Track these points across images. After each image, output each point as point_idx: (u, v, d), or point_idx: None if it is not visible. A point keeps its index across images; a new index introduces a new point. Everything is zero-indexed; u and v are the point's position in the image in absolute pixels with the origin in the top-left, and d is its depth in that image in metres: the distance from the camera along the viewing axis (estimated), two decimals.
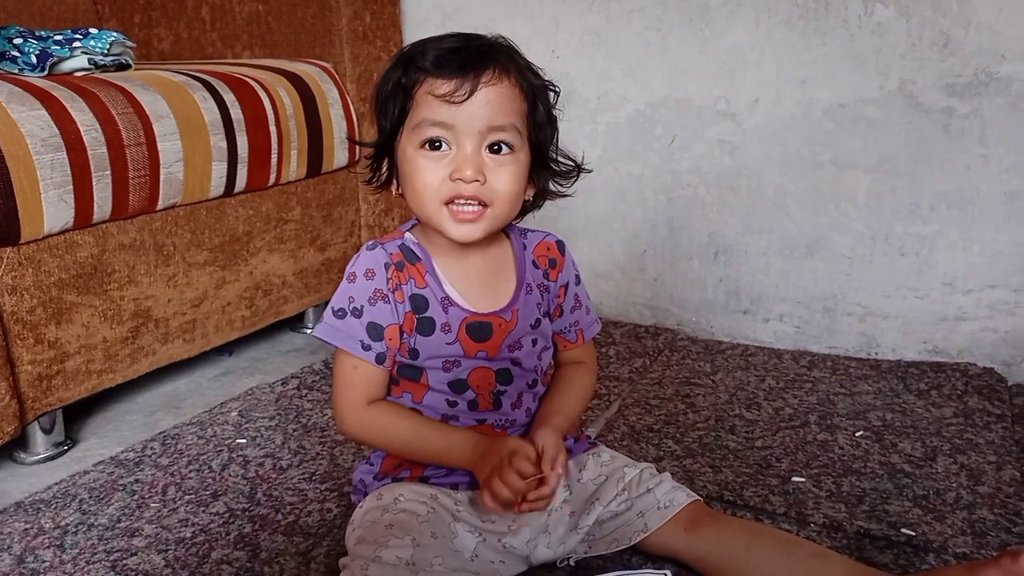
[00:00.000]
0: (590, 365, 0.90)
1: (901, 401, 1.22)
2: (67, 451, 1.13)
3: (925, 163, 1.30)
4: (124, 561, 0.86)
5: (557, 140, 0.79)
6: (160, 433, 1.15)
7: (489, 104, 0.71)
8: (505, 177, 0.73)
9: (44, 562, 0.86)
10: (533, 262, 0.84)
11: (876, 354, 1.39)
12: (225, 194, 1.29)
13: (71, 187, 1.04)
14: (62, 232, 1.07)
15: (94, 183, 1.07)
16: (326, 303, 1.58)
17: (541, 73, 0.77)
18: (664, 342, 1.48)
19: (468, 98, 0.71)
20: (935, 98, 1.27)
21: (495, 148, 0.73)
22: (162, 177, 1.16)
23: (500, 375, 0.81)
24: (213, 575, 0.84)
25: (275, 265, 1.40)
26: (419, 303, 0.78)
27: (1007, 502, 0.94)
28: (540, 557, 0.82)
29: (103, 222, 1.12)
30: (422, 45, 0.74)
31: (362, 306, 0.76)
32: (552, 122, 0.78)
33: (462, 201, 0.73)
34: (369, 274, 0.77)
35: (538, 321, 0.83)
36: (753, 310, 1.49)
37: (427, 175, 0.73)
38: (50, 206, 1.03)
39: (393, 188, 0.79)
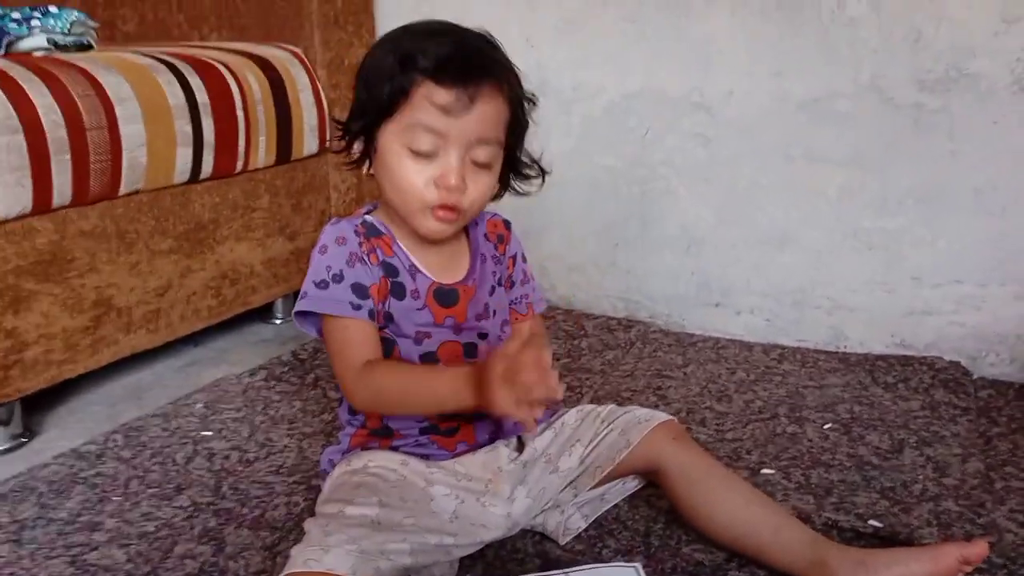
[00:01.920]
0: (538, 323, 0.94)
1: (869, 394, 1.23)
2: (26, 443, 1.10)
3: (895, 158, 1.31)
4: (84, 556, 0.84)
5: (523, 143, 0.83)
6: (123, 425, 1.13)
7: (482, 119, 0.74)
8: (481, 185, 0.77)
9: (1, 557, 0.84)
10: (485, 235, 0.87)
11: (845, 347, 1.41)
12: (190, 180, 1.25)
13: (28, 171, 1.01)
14: (19, 217, 1.03)
15: (53, 167, 1.04)
16: (295, 293, 1.56)
17: (522, 78, 0.80)
18: (636, 334, 1.48)
19: (465, 112, 0.73)
20: (906, 93, 1.28)
21: (477, 159, 0.76)
22: (124, 162, 1.13)
23: (467, 349, 0.82)
24: (176, 570, 0.82)
25: (242, 254, 1.37)
26: (390, 269, 0.80)
27: (972, 494, 0.95)
28: (520, 510, 0.82)
29: (63, 207, 1.08)
30: (419, 41, 0.75)
31: (341, 270, 0.77)
32: (525, 129, 0.81)
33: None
34: (341, 240, 0.78)
35: (493, 288, 0.86)
36: (724, 303, 1.49)
37: (413, 177, 0.75)
38: (6, 190, 0.99)
39: (365, 167, 0.80)
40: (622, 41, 1.47)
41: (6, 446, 1.08)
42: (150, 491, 0.97)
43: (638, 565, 0.71)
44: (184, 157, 1.22)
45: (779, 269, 1.43)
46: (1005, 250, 1.27)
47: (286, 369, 1.32)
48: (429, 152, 0.74)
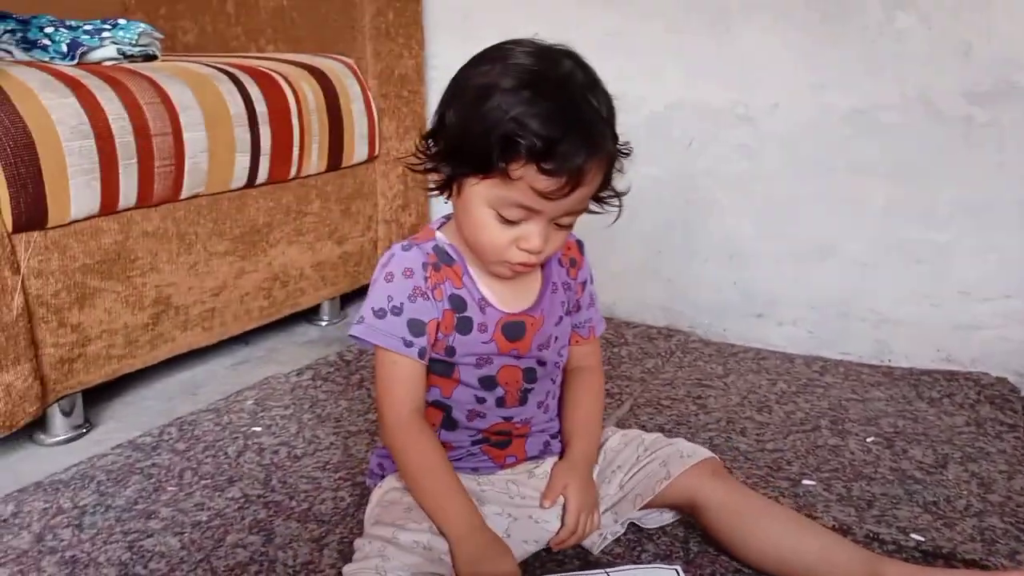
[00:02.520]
0: (598, 369, 0.93)
1: (913, 408, 1.22)
2: (86, 434, 1.15)
3: (942, 170, 1.30)
4: (141, 542, 0.88)
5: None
6: (177, 419, 1.17)
7: (578, 197, 0.71)
8: (559, 242, 0.76)
9: (63, 541, 0.88)
10: (559, 260, 0.86)
11: (889, 361, 1.39)
12: (247, 185, 1.30)
13: (98, 174, 1.06)
14: (88, 218, 1.08)
15: (120, 171, 1.09)
16: (342, 297, 1.61)
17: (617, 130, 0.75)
18: (676, 344, 1.48)
19: (564, 198, 0.70)
20: (954, 106, 1.27)
21: (562, 223, 0.74)
22: (187, 167, 1.18)
23: (527, 373, 0.82)
24: (228, 558, 0.85)
25: (293, 257, 1.42)
26: (457, 303, 0.79)
27: (1018, 511, 0.94)
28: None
29: (128, 209, 1.14)
30: (526, 106, 0.67)
31: (402, 304, 0.77)
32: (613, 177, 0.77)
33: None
34: (407, 273, 0.77)
35: (560, 319, 0.85)
36: (767, 314, 1.49)
37: (495, 237, 0.73)
38: (77, 192, 1.05)
39: (445, 196, 0.77)
40: (664, 53, 1.48)
41: (68, 436, 1.13)
42: (203, 482, 1.00)
43: (678, 567, 0.71)
44: (242, 163, 1.26)
45: (822, 281, 1.43)
46: None
47: (332, 369, 1.35)
48: (516, 221, 0.72)
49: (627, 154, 0.76)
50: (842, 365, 1.38)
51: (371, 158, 1.55)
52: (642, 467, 0.85)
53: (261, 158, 1.29)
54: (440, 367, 0.81)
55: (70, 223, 1.06)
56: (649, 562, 0.83)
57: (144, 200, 1.14)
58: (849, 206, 1.38)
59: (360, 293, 1.74)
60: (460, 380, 0.81)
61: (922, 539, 0.88)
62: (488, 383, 0.81)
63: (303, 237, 1.43)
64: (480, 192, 0.72)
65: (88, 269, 1.09)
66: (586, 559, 0.84)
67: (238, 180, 1.28)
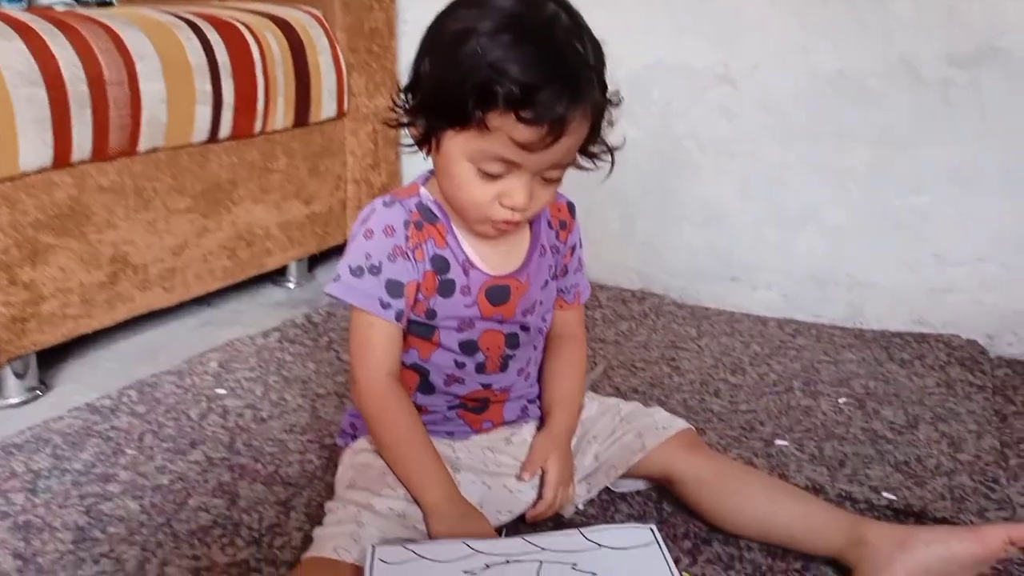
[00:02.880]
0: (582, 338, 0.89)
1: (884, 370, 1.23)
2: (40, 397, 1.11)
3: (924, 135, 1.29)
4: (99, 506, 0.85)
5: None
6: (137, 381, 1.13)
7: (562, 149, 0.67)
8: (547, 197, 0.72)
9: (15, 505, 0.85)
10: (548, 222, 0.82)
11: (861, 324, 1.40)
12: (209, 140, 1.25)
13: (49, 124, 1.01)
14: (40, 171, 1.03)
15: (73, 121, 1.04)
16: (310, 258, 1.57)
17: (606, 72, 0.70)
18: (650, 307, 1.47)
19: (546, 148, 0.66)
20: (936, 69, 1.26)
21: (548, 177, 0.70)
22: (144, 118, 1.13)
23: (509, 339, 0.80)
24: (190, 521, 0.83)
25: (259, 216, 1.37)
26: (440, 264, 0.76)
27: (986, 469, 0.95)
28: None
29: (82, 162, 1.08)
30: (504, 50, 0.63)
31: (380, 262, 0.73)
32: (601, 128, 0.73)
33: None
34: (388, 231, 0.74)
35: (547, 283, 0.82)
36: (742, 278, 1.48)
37: (476, 194, 0.70)
38: (26, 143, 0.99)
39: (424, 151, 0.74)
40: (646, 11, 1.45)
41: (21, 399, 1.09)
42: (164, 445, 0.97)
43: (653, 527, 0.70)
44: (203, 116, 1.21)
45: (800, 246, 1.42)
46: None
47: (299, 332, 1.32)
48: (498, 175, 0.68)
49: (616, 103, 0.71)
50: (815, 328, 1.38)
51: (340, 115, 1.50)
52: (617, 439, 0.84)
53: (223, 111, 1.24)
54: (419, 329, 0.78)
55: (20, 176, 1.01)
56: (623, 522, 0.83)
57: (99, 153, 1.09)
58: (831, 171, 1.37)
59: (329, 255, 1.70)
60: (440, 343, 0.78)
61: (894, 497, 0.88)
62: (469, 348, 0.78)
63: (269, 195, 1.38)
64: (458, 146, 0.68)
65: (40, 225, 1.04)
66: (559, 521, 0.83)
67: (199, 134, 1.22)
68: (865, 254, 1.37)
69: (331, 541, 0.68)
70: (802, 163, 1.38)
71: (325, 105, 1.45)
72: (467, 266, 0.76)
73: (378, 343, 0.75)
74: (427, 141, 0.72)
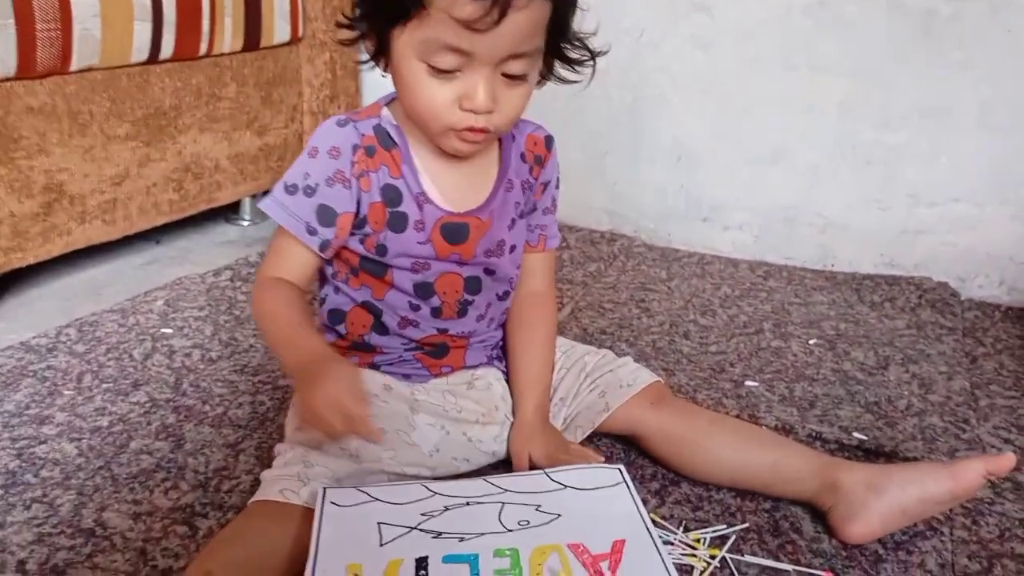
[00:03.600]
0: (550, 296, 0.83)
1: (855, 312, 1.21)
2: None
3: (901, 68, 1.25)
4: (32, 449, 0.79)
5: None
6: (77, 319, 1.06)
7: (516, 31, 0.60)
8: (516, 100, 0.65)
9: None
10: (521, 155, 0.75)
11: (832, 266, 1.38)
12: (149, 60, 1.16)
13: None
14: None
15: None
16: (264, 193, 1.49)
17: None
18: (620, 248, 1.43)
19: (494, 27, 0.59)
20: None
21: (510, 72, 0.63)
22: (75, 33, 1.03)
23: (469, 283, 0.74)
24: (131, 465, 0.78)
25: (207, 146, 1.29)
26: (392, 195, 0.69)
27: (957, 410, 0.94)
28: (504, 452, 0.78)
29: (7, 79, 0.99)
30: None
31: (317, 185, 0.68)
32: (573, 14, 0.67)
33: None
34: (333, 152, 0.68)
35: (513, 222, 0.75)
36: (712, 218, 1.44)
37: (433, 98, 0.63)
38: None
39: (379, 69, 0.68)
40: None
41: None
42: (104, 386, 0.91)
43: (621, 467, 0.67)
44: (142, 33, 1.12)
45: (772, 184, 1.38)
46: (1007, 170, 1.23)
47: (253, 270, 1.25)
48: (451, 69, 0.62)
49: None
50: (785, 270, 1.36)
51: (294, 40, 1.40)
52: (582, 399, 0.80)
53: (164, 29, 1.14)
54: (371, 266, 0.72)
55: None
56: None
57: (26, 70, 1.00)
58: (804, 106, 1.32)
59: None
60: (393, 284, 0.72)
61: (864, 438, 0.86)
62: (423, 290, 0.72)
63: (217, 124, 1.30)
64: (405, 43, 0.62)
65: None
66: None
67: (138, 53, 1.13)
68: (837, 193, 1.34)
69: (278, 484, 0.64)
70: (774, 98, 1.34)
71: (278, 28, 1.35)
72: (421, 199, 0.70)
73: (290, 266, 0.70)
74: (381, 52, 0.66)
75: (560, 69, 0.70)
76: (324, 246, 0.69)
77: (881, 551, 0.70)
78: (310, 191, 0.68)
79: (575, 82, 0.70)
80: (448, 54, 0.61)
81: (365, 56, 0.69)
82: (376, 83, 1.66)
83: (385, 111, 0.71)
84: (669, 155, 1.44)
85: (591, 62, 0.70)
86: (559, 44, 0.67)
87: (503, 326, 0.82)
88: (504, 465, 0.78)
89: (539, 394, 0.78)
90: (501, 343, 0.82)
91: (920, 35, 1.22)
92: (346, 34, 0.68)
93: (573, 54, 0.69)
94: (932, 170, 1.27)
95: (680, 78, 1.39)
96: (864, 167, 1.31)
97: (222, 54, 1.27)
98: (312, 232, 0.68)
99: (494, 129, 0.65)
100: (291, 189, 0.68)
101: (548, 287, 0.83)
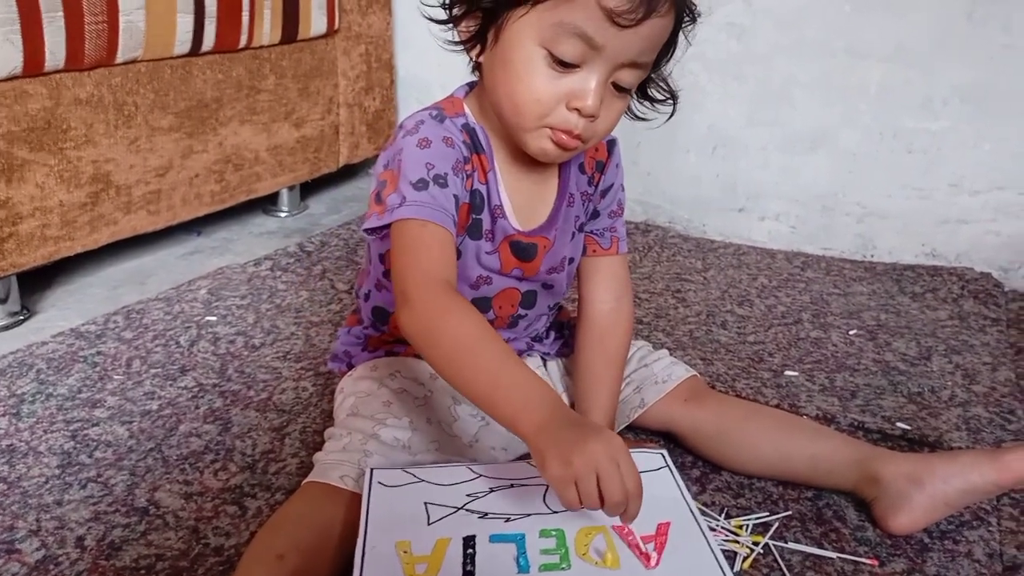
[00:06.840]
0: (629, 315, 0.78)
1: (896, 303, 1.19)
2: (24, 321, 1.07)
3: (943, 53, 1.23)
4: (85, 431, 0.82)
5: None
6: (124, 307, 1.09)
7: (648, 38, 0.59)
8: (614, 115, 0.63)
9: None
10: (580, 166, 0.74)
11: (872, 256, 1.36)
12: (191, 52, 1.18)
13: (18, 27, 0.94)
14: (10, 78, 0.97)
15: (45, 25, 0.96)
16: (302, 185, 1.51)
17: None
18: (655, 239, 1.43)
19: (635, 25, 0.57)
20: None
21: (621, 82, 0.61)
22: (121, 25, 1.05)
23: (526, 297, 0.74)
24: (181, 447, 0.80)
25: (247, 138, 1.31)
26: (477, 200, 0.68)
27: (1002, 401, 0.92)
28: None
29: (56, 71, 1.01)
30: None
31: (446, 174, 0.63)
32: (674, 49, 0.65)
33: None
34: (448, 142, 0.64)
35: (573, 235, 0.75)
36: (749, 208, 1.43)
37: (541, 89, 0.60)
38: None
39: (474, 52, 0.64)
40: None
41: (3, 323, 1.05)
42: (153, 371, 0.94)
43: (664, 451, 0.67)
44: (184, 25, 1.14)
45: (810, 173, 1.37)
46: None
47: (292, 260, 1.27)
48: (572, 63, 0.59)
49: (695, 18, 0.63)
50: (824, 260, 1.35)
51: (330, 32, 1.42)
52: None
53: (206, 21, 1.16)
54: None
55: None
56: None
57: (74, 62, 1.02)
58: (843, 92, 1.31)
59: (321, 184, 1.64)
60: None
61: (908, 427, 0.85)
62: (479, 305, 0.70)
63: (257, 116, 1.32)
64: (529, 25, 0.59)
65: (14, 137, 0.98)
66: None
67: (181, 45, 1.15)
68: (877, 181, 1.32)
69: (337, 469, 0.65)
70: (812, 84, 1.32)
71: (315, 20, 1.36)
72: (496, 212, 0.68)
73: (434, 243, 0.61)
74: (482, 36, 0.63)
75: (635, 103, 0.68)
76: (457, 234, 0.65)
77: (927, 540, 0.69)
78: (442, 181, 0.63)
79: (644, 119, 0.69)
80: (577, 43, 0.58)
81: (459, 39, 0.65)
82: (409, 76, 1.67)
83: (468, 111, 0.69)
84: (704, 144, 1.43)
85: (670, 102, 0.68)
86: (650, 74, 0.65)
87: (570, 332, 0.81)
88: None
89: (610, 405, 0.76)
90: (544, 329, 0.82)
91: (962, 18, 1.20)
92: (442, 13, 0.64)
93: (654, 91, 0.68)
94: (975, 157, 1.25)
95: (715, 65, 1.38)
96: (904, 154, 1.29)
97: (261, 46, 1.29)
98: (455, 223, 0.64)
99: (588, 138, 0.63)
100: (420, 185, 0.62)
101: (629, 301, 0.79)
